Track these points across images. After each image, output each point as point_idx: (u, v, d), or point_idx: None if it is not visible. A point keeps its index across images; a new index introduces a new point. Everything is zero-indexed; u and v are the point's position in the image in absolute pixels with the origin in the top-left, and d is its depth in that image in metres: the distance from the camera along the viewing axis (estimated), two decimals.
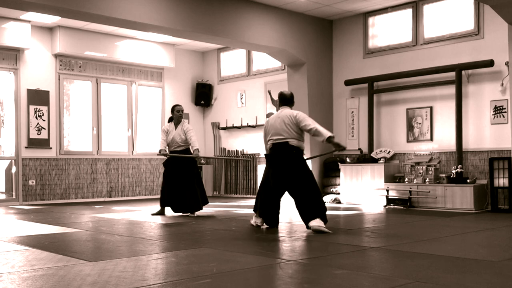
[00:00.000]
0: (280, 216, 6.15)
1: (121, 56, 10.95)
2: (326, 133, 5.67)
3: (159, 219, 7.08)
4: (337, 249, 4.57)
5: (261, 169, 10.79)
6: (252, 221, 6.22)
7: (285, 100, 6.12)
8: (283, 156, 5.80)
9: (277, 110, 6.37)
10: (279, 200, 6.07)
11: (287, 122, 5.82)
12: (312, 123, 5.77)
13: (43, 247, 4.69)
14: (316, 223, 5.51)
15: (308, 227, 5.63)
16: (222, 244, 4.90)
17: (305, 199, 5.68)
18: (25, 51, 10.06)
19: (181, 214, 7.52)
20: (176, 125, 7.53)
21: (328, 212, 7.92)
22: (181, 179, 7.38)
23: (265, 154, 6.14)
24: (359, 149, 9.76)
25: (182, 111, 7.58)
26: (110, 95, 11.25)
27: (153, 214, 7.55)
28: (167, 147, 7.58)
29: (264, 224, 6.12)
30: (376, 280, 3.36)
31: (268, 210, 6.06)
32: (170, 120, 7.65)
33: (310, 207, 5.63)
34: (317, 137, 5.82)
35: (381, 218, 7.23)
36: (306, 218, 5.66)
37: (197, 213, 7.52)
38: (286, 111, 5.99)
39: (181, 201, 7.38)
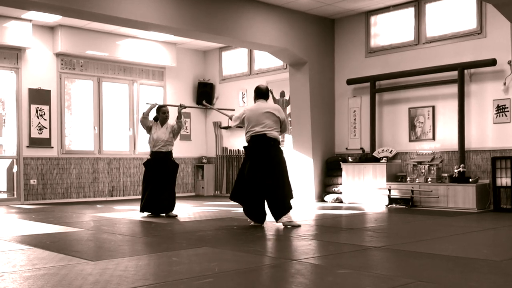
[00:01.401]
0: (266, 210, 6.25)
1: (122, 55, 10.94)
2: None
3: (160, 219, 7.07)
4: (339, 248, 4.56)
5: None
6: (249, 220, 6.30)
7: (262, 94, 6.44)
8: (263, 148, 6.13)
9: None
10: (262, 194, 6.14)
11: (266, 115, 6.16)
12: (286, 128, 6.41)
13: (45, 247, 4.68)
14: (287, 219, 5.99)
15: (277, 221, 6.08)
16: (223, 244, 4.90)
17: (278, 197, 6.03)
18: (26, 50, 10.06)
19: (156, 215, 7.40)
20: (161, 126, 7.52)
21: (330, 212, 7.95)
22: (163, 181, 7.33)
23: (244, 147, 6.41)
24: (361, 148, 9.74)
25: (168, 112, 7.60)
26: (111, 94, 11.24)
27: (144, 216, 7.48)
28: (151, 147, 7.49)
29: (252, 222, 6.24)
30: (378, 279, 3.35)
31: (253, 207, 6.18)
32: (155, 119, 7.62)
33: (281, 205, 6.02)
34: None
35: (383, 217, 7.21)
36: (276, 215, 6.05)
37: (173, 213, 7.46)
38: (266, 104, 6.31)
39: (160, 203, 7.32)
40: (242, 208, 6.44)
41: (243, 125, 6.40)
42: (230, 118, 6.76)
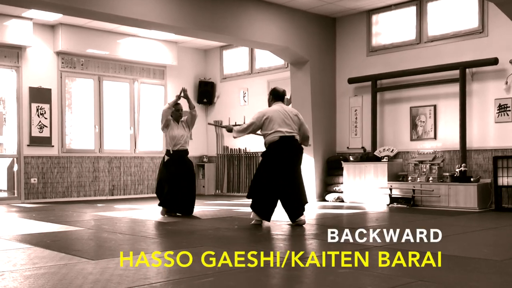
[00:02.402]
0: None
1: (123, 54, 10.93)
2: (308, 144, 6.50)
3: (161, 218, 7.06)
4: (340, 247, 4.55)
5: None
6: (251, 217, 6.26)
7: (279, 96, 6.44)
8: (294, 151, 6.15)
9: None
10: (279, 193, 6.14)
11: (293, 118, 6.20)
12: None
13: (45, 246, 4.68)
14: (303, 217, 6.13)
15: (294, 222, 6.13)
16: (224, 243, 4.89)
17: (298, 198, 6.12)
18: (27, 49, 10.05)
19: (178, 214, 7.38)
20: (177, 123, 7.46)
21: (331, 211, 7.94)
22: (184, 181, 7.28)
23: (268, 147, 6.12)
24: (363, 147, 9.73)
25: (182, 109, 7.51)
26: (112, 93, 11.23)
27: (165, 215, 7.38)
28: (171, 146, 7.38)
29: (254, 220, 6.20)
30: (379, 279, 3.34)
31: (267, 205, 6.14)
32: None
33: (300, 206, 6.12)
34: (303, 141, 6.34)
35: (384, 217, 7.20)
36: (295, 215, 6.11)
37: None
38: (287, 107, 6.36)
39: (183, 202, 7.27)
40: (248, 207, 6.37)
41: (259, 129, 6.24)
42: (230, 130, 6.60)
